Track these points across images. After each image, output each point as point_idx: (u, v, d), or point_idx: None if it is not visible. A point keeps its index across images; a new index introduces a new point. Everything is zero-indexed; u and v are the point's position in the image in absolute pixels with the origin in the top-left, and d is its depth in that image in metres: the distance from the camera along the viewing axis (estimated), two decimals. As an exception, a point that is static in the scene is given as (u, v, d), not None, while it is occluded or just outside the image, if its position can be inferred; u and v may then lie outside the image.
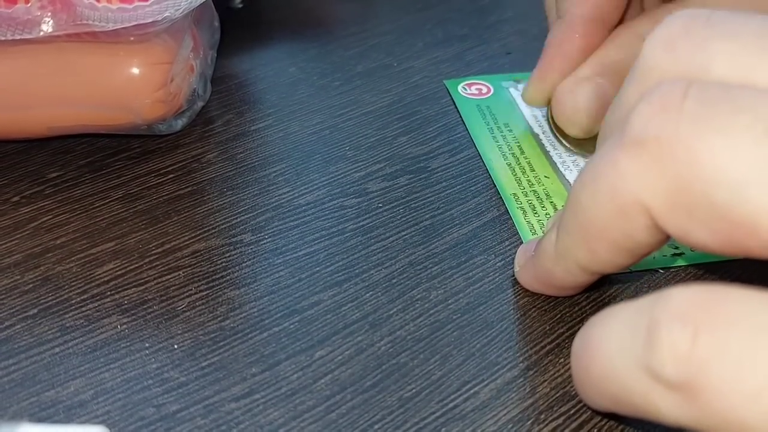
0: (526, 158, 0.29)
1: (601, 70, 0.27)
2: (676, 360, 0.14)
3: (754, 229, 0.14)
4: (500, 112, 0.31)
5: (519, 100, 0.32)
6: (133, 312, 0.22)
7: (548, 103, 0.28)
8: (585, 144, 0.28)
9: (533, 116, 0.31)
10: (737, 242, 0.15)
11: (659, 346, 0.14)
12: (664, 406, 0.14)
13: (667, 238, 0.17)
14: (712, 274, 0.24)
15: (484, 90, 0.33)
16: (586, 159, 0.28)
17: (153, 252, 0.25)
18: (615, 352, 0.15)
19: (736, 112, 0.14)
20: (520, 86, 0.33)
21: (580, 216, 0.18)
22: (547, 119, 0.29)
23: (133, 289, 0.23)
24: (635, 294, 0.24)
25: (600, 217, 0.17)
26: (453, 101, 0.32)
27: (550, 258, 0.21)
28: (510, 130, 0.30)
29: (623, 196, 0.16)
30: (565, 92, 0.27)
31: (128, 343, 0.21)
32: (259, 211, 0.26)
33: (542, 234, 0.25)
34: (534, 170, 0.28)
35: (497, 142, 0.30)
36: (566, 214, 0.19)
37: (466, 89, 0.33)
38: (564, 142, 0.28)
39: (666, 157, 0.15)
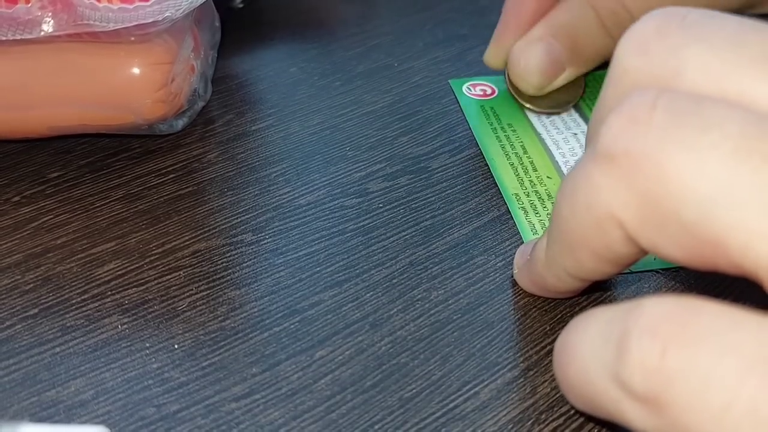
0: (528, 158, 0.29)
1: (551, 31, 0.30)
2: (644, 373, 0.14)
3: (721, 248, 0.14)
4: (504, 112, 0.31)
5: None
6: (133, 312, 0.22)
7: (505, 65, 0.31)
8: (536, 100, 0.31)
9: (537, 117, 0.31)
10: (705, 259, 0.15)
11: (629, 358, 0.14)
12: (632, 415, 0.15)
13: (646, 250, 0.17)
14: (710, 276, 0.24)
15: (489, 91, 0.33)
16: (537, 112, 0.31)
17: (153, 252, 0.25)
18: (589, 358, 0.16)
19: (705, 129, 0.14)
20: None
21: (562, 226, 0.18)
22: (504, 80, 0.32)
23: (133, 289, 0.23)
24: (635, 295, 0.23)
25: (580, 230, 0.17)
26: (457, 101, 0.32)
27: (542, 264, 0.21)
28: (513, 130, 0.30)
29: (598, 210, 0.16)
30: (519, 51, 0.30)
31: (129, 343, 0.21)
32: (260, 211, 0.26)
33: (541, 235, 0.25)
34: (536, 170, 0.28)
35: (500, 141, 0.30)
36: (551, 223, 0.19)
37: (470, 89, 0.33)
38: (518, 98, 0.31)
39: (635, 172, 0.15)
